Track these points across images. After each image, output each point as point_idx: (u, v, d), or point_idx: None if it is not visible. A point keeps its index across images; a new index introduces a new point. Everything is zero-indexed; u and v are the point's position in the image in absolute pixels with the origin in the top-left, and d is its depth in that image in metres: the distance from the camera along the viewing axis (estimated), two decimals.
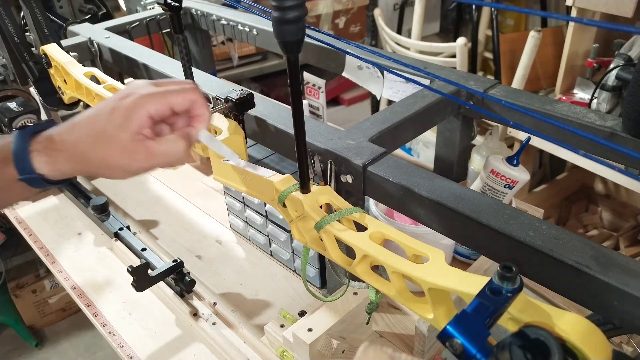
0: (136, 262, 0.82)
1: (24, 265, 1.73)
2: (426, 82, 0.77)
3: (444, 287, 0.41)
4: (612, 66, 1.19)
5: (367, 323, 0.68)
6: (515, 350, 0.34)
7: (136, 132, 0.46)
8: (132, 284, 0.74)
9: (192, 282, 0.80)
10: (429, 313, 0.45)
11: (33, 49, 0.99)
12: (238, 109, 0.64)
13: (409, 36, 2.03)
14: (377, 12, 2.03)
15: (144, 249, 0.86)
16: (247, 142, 0.65)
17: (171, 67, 0.86)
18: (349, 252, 0.51)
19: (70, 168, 0.49)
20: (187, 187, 1.10)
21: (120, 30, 1.09)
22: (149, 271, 0.76)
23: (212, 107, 0.65)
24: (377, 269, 0.51)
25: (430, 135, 1.63)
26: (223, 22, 1.11)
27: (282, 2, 0.39)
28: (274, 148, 0.77)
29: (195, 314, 0.77)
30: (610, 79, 1.18)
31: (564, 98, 1.40)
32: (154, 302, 0.82)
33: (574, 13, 1.31)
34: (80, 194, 1.04)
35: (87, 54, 1.03)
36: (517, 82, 1.55)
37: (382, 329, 0.74)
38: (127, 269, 0.73)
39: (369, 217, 0.51)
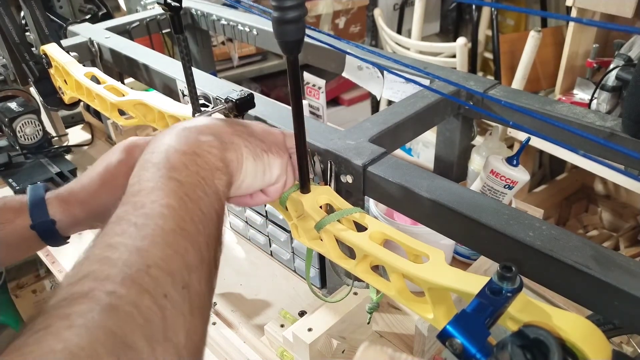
0: None
1: (24, 265, 1.73)
2: (426, 82, 0.77)
3: (444, 287, 0.41)
4: (612, 66, 1.19)
5: (368, 323, 0.68)
6: (515, 350, 0.34)
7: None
8: None
9: None
10: (429, 313, 0.45)
11: (33, 49, 0.99)
12: (238, 110, 0.64)
13: (409, 36, 2.03)
14: (377, 12, 2.04)
15: None
16: None
17: (171, 67, 0.86)
18: (349, 252, 0.52)
19: (82, 211, 0.53)
20: None
21: (121, 30, 1.09)
22: None
23: (212, 108, 0.65)
24: (377, 268, 0.51)
25: (430, 135, 1.62)
26: (223, 22, 1.11)
27: (282, 2, 0.39)
28: None
29: None
30: (610, 79, 1.18)
31: (564, 98, 1.40)
32: None
33: (574, 13, 1.31)
34: None
35: (87, 54, 1.03)
36: (517, 82, 1.55)
37: (382, 329, 0.74)
38: None
39: (369, 217, 0.51)
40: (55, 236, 0.53)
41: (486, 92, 0.73)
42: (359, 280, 0.66)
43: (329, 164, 0.60)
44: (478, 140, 0.86)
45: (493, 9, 1.86)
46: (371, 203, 0.78)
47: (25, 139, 1.14)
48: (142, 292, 0.29)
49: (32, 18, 0.93)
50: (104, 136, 1.30)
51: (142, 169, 0.38)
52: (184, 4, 0.56)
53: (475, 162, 0.84)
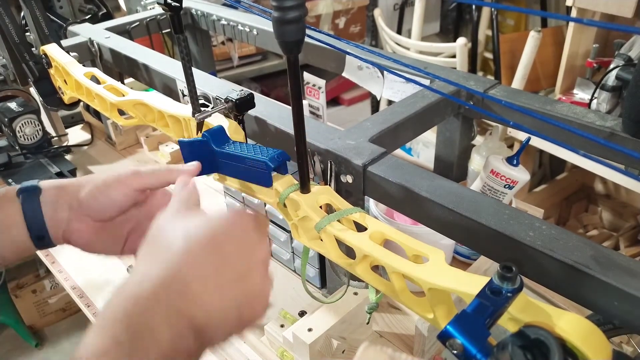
0: None
1: (24, 265, 1.73)
2: (426, 82, 0.77)
3: (444, 287, 0.41)
4: (612, 66, 1.19)
5: (367, 323, 0.68)
6: (516, 350, 0.34)
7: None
8: None
9: None
10: (429, 313, 0.45)
11: (33, 49, 0.99)
12: (238, 109, 0.64)
13: (409, 36, 2.03)
14: (377, 12, 2.03)
15: None
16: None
17: (171, 67, 0.86)
18: (349, 252, 0.51)
19: (73, 199, 0.49)
20: None
21: (120, 30, 1.09)
22: None
23: (212, 107, 0.65)
24: (377, 269, 0.51)
25: (430, 135, 1.63)
26: (223, 22, 1.11)
27: (282, 2, 0.39)
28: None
29: None
30: (610, 79, 1.18)
31: (564, 98, 1.40)
32: None
33: (574, 13, 1.31)
34: None
35: (87, 54, 1.03)
36: (517, 82, 1.55)
37: (382, 329, 0.74)
38: (127, 269, 0.73)
39: (369, 217, 0.51)
40: (38, 215, 0.48)
41: (486, 92, 0.73)
42: (359, 280, 0.66)
43: (329, 164, 0.60)
44: (478, 140, 0.86)
45: (493, 9, 1.86)
46: (371, 203, 0.78)
47: (24, 139, 1.14)
48: None
49: (32, 18, 0.93)
50: (103, 136, 1.30)
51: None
52: (184, 4, 0.56)
53: (475, 162, 0.84)
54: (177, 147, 1.17)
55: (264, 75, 2.58)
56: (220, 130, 0.57)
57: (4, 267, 0.49)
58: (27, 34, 1.00)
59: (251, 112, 0.69)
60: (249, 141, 0.66)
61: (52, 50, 0.92)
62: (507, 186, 0.73)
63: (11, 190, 0.49)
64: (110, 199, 0.49)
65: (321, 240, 0.53)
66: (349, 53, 0.83)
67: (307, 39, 0.44)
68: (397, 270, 0.45)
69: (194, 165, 0.52)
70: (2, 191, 0.49)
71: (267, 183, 0.53)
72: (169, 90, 0.86)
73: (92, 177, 0.51)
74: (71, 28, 1.09)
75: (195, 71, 0.76)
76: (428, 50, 1.79)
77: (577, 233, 0.60)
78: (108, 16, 1.34)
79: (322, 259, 0.78)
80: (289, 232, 0.80)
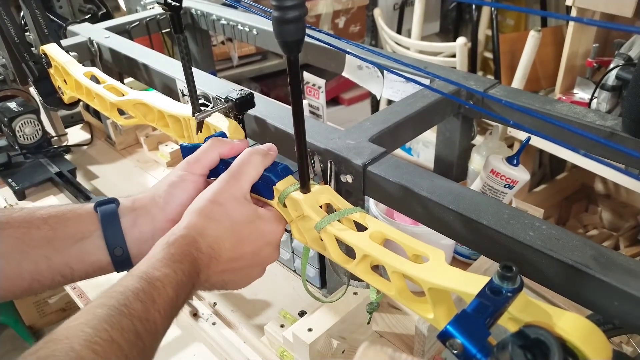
0: None
1: None
2: (426, 81, 0.77)
3: (444, 287, 0.41)
4: (612, 66, 1.19)
5: (368, 323, 0.68)
6: (516, 350, 0.34)
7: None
8: None
9: None
10: (429, 313, 0.45)
11: (33, 48, 0.99)
12: (238, 109, 0.64)
13: (409, 36, 2.03)
14: (377, 12, 2.03)
15: None
16: None
17: (171, 67, 0.86)
18: (349, 252, 0.51)
19: (146, 214, 0.52)
20: None
21: (120, 30, 1.09)
22: None
23: (212, 107, 0.65)
24: (377, 268, 0.51)
25: (430, 135, 1.63)
26: (223, 22, 1.11)
27: (282, 2, 0.39)
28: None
29: (195, 314, 0.77)
30: (610, 78, 1.18)
31: (564, 98, 1.40)
32: None
33: (574, 13, 1.31)
34: (80, 194, 1.04)
35: (87, 53, 1.02)
36: (517, 82, 1.55)
37: (382, 329, 0.74)
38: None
39: (369, 217, 0.51)
40: (116, 222, 0.51)
41: (486, 92, 0.73)
42: (359, 280, 0.66)
43: (329, 164, 0.60)
44: (478, 139, 0.86)
45: (493, 8, 1.86)
46: (371, 203, 0.78)
47: (24, 139, 1.14)
48: None
49: (31, 18, 0.93)
50: (103, 136, 1.30)
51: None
52: (184, 4, 0.56)
53: (476, 162, 0.84)
54: (177, 147, 1.17)
55: (264, 75, 2.58)
56: (222, 137, 0.57)
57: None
58: (27, 33, 1.00)
59: (251, 111, 0.69)
60: (249, 141, 0.66)
61: (51, 50, 0.92)
62: (507, 186, 0.73)
63: (90, 210, 0.51)
64: (185, 191, 0.52)
65: (321, 240, 0.53)
66: (349, 52, 0.83)
67: (307, 39, 0.44)
68: (397, 270, 0.45)
69: (246, 141, 0.57)
70: (81, 209, 0.52)
71: (269, 196, 0.54)
72: (169, 90, 0.86)
73: (160, 182, 0.54)
74: (71, 28, 1.09)
75: (195, 71, 0.76)
76: (428, 50, 1.80)
77: (577, 233, 0.60)
78: (108, 16, 1.34)
79: (322, 259, 0.78)
80: (289, 232, 0.79)
